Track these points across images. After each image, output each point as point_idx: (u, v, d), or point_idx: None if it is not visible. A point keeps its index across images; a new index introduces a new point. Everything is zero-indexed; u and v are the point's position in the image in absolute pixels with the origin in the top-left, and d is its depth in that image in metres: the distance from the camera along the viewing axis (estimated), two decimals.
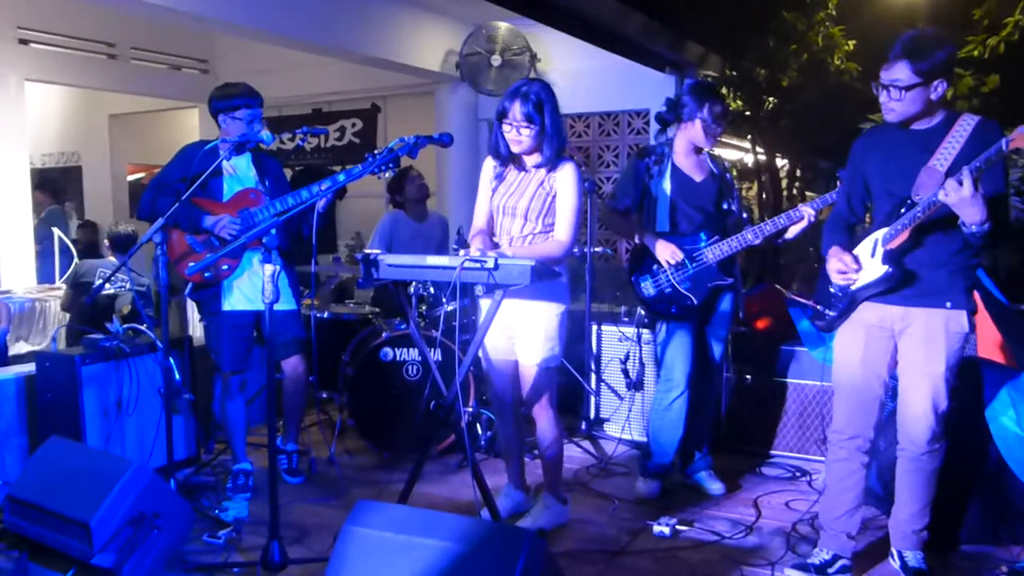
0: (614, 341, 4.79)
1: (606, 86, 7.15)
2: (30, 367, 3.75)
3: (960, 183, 2.50)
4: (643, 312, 4.33)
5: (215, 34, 8.35)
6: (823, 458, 3.11)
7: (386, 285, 3.51)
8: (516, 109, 3.16)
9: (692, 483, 4.00)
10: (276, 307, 2.95)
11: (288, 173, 6.56)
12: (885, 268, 2.79)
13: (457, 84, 7.46)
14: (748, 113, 7.46)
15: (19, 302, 6.12)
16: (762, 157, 7.90)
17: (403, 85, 7.88)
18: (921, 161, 2.73)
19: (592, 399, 4.86)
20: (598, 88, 7.18)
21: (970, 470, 3.28)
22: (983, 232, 2.57)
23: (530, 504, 3.57)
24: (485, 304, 3.28)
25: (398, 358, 4.38)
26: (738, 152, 9.15)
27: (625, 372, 4.70)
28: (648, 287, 3.79)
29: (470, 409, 4.33)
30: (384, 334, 4.40)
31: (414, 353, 4.35)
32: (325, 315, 4.98)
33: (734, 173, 4.10)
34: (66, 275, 6.05)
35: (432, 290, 4.58)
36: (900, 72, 2.68)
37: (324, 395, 4.84)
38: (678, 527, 3.45)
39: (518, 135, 3.18)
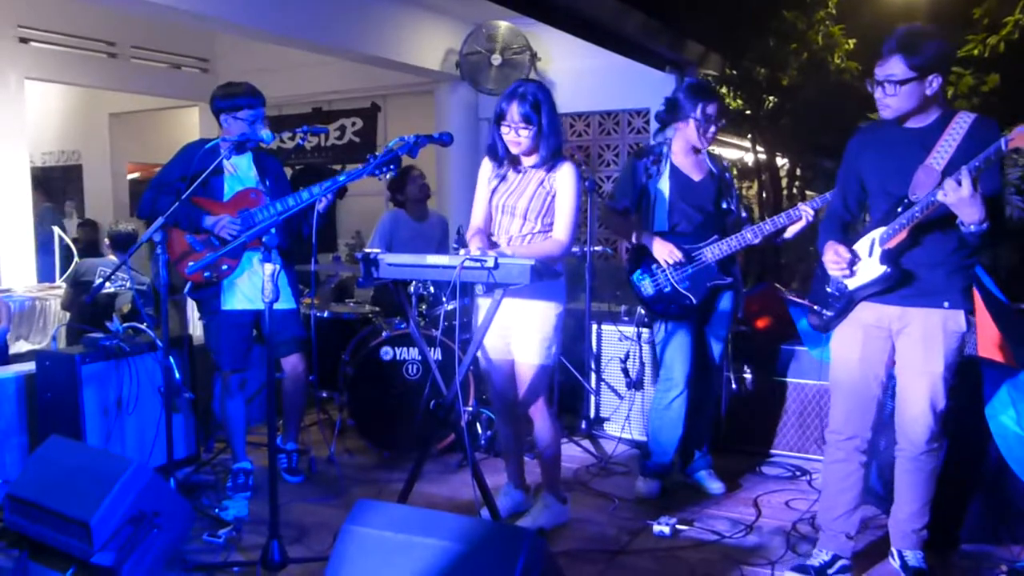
0: (614, 340, 4.79)
1: (606, 85, 7.15)
2: (30, 366, 3.75)
3: (959, 183, 2.50)
4: (643, 311, 4.33)
5: (215, 33, 8.35)
6: (823, 457, 3.11)
7: (386, 284, 3.50)
8: (514, 110, 3.17)
9: (692, 482, 4.00)
10: (276, 306, 2.95)
11: (288, 172, 6.55)
12: (883, 268, 2.78)
13: (457, 83, 7.46)
14: (748, 112, 7.45)
15: (19, 301, 6.13)
16: (762, 156, 7.89)
17: (403, 84, 7.88)
18: (918, 160, 2.73)
19: (592, 398, 4.86)
20: (598, 87, 7.18)
21: (970, 469, 3.29)
22: (981, 232, 2.57)
23: (530, 503, 3.57)
24: (483, 304, 3.28)
25: (398, 357, 4.38)
26: (738, 151, 9.14)
27: (625, 371, 4.70)
28: (647, 286, 3.79)
29: (470, 408, 4.33)
30: (384, 333, 4.40)
31: (414, 352, 4.35)
32: (325, 314, 4.98)
33: (734, 172, 4.10)
34: (66, 274, 6.05)
35: (432, 289, 4.58)
36: (895, 67, 2.68)
37: (324, 394, 4.84)
38: (678, 526, 3.45)
39: (517, 136, 3.20)
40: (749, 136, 7.86)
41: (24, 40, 7.33)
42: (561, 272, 3.20)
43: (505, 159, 3.31)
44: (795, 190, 8.03)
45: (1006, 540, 3.26)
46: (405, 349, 4.37)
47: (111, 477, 2.70)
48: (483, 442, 4.46)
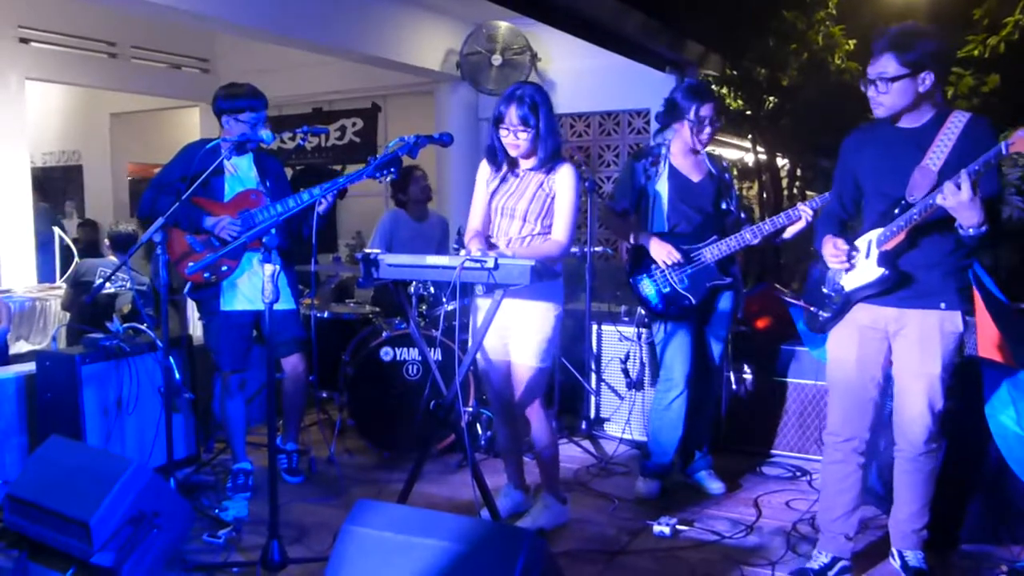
0: (614, 341, 4.79)
1: (606, 86, 7.15)
2: (30, 366, 3.75)
3: (958, 187, 2.49)
4: (643, 312, 4.33)
5: (215, 33, 8.35)
6: (821, 458, 3.11)
7: (386, 285, 3.51)
8: (512, 113, 3.18)
9: (692, 483, 4.00)
10: (276, 307, 2.95)
11: (289, 172, 6.55)
12: (881, 271, 2.78)
13: (457, 83, 7.46)
14: (748, 112, 7.45)
15: (19, 301, 6.13)
16: (762, 156, 7.89)
17: (403, 84, 7.88)
18: (914, 160, 2.72)
19: (592, 399, 4.86)
20: (598, 88, 7.18)
21: (970, 469, 3.29)
22: (980, 235, 2.57)
23: (530, 504, 3.57)
24: (482, 305, 3.29)
25: (398, 358, 4.38)
26: (738, 151, 9.14)
27: (625, 372, 4.70)
28: (646, 287, 3.79)
29: (470, 409, 4.33)
30: (384, 334, 4.40)
31: (414, 353, 4.35)
32: (325, 315, 4.98)
33: (734, 173, 4.10)
34: (66, 274, 6.05)
35: (432, 290, 4.58)
36: (886, 64, 2.68)
37: (324, 394, 4.84)
38: (678, 527, 3.45)
39: (515, 139, 3.21)
40: (749, 136, 7.86)
41: (24, 40, 7.33)
42: (560, 273, 3.20)
43: (504, 162, 3.32)
44: (795, 190, 8.03)
45: (1006, 540, 3.26)
46: (405, 349, 4.37)
47: (111, 477, 2.70)
48: (483, 442, 4.46)
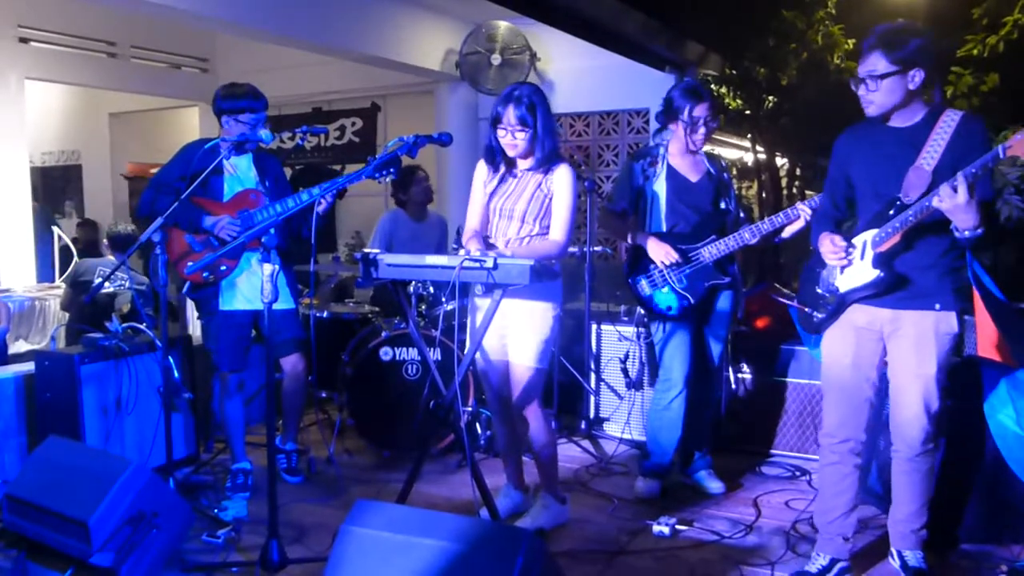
0: (614, 340, 4.79)
1: (606, 85, 7.14)
2: (29, 366, 3.75)
3: (955, 190, 2.49)
4: (642, 311, 4.33)
5: (215, 33, 8.35)
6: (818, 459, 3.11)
7: (385, 284, 3.51)
8: (510, 113, 3.18)
9: (692, 482, 4.00)
10: (275, 307, 2.95)
11: (288, 172, 6.54)
12: (876, 272, 2.77)
13: (457, 83, 7.46)
14: (748, 112, 7.46)
15: (19, 301, 6.12)
16: (762, 156, 7.90)
17: (403, 84, 7.88)
18: (908, 160, 2.71)
19: (592, 399, 4.86)
20: (598, 87, 7.18)
21: (969, 469, 3.28)
22: (976, 237, 2.56)
23: (529, 504, 3.57)
24: (481, 305, 3.29)
25: (397, 357, 4.37)
26: (738, 151, 9.14)
27: (625, 372, 4.70)
28: (645, 287, 3.80)
29: (469, 408, 4.33)
30: (383, 333, 4.40)
31: (413, 352, 4.35)
32: (324, 314, 4.98)
33: (733, 172, 4.10)
34: (66, 274, 6.05)
35: (432, 289, 4.58)
36: (875, 62, 2.68)
37: (323, 394, 4.83)
38: (678, 527, 3.45)
39: (513, 139, 3.21)
40: (749, 136, 7.86)
41: (24, 40, 7.32)
42: (558, 273, 3.20)
43: (501, 162, 3.32)
44: (795, 190, 8.04)
45: (1006, 539, 3.26)
46: (404, 349, 4.37)
47: (110, 477, 2.69)
48: (482, 442, 4.46)
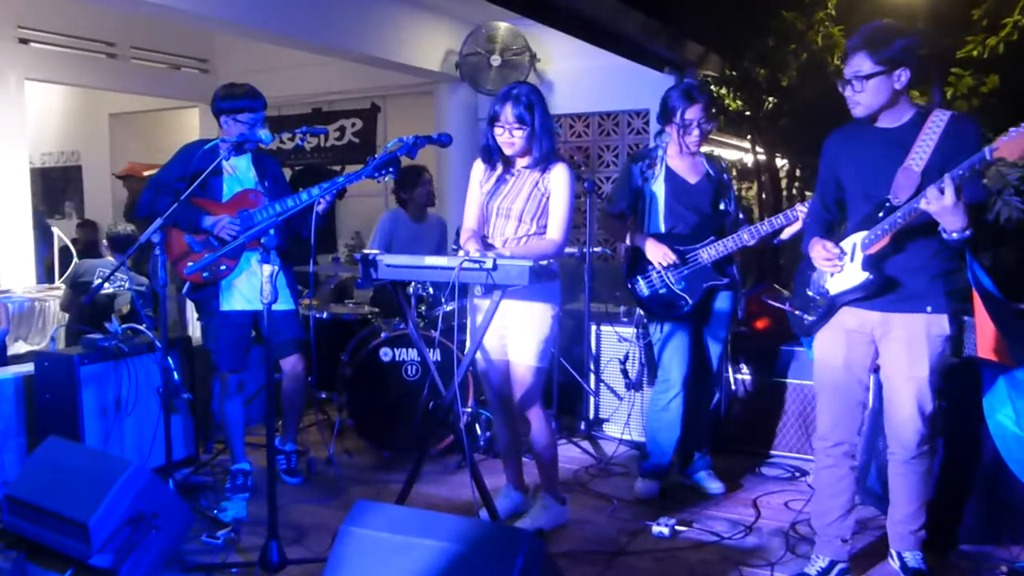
0: (613, 341, 4.79)
1: (606, 86, 7.14)
2: (29, 367, 3.75)
3: (942, 192, 2.48)
4: (642, 312, 4.33)
5: (215, 33, 8.35)
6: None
7: (385, 285, 3.51)
8: (508, 111, 3.19)
9: (691, 483, 4.00)
10: (274, 307, 2.95)
11: (288, 173, 6.55)
12: (865, 275, 2.76)
13: (457, 84, 7.46)
14: (748, 113, 7.44)
15: (18, 302, 6.12)
16: (762, 157, 7.89)
17: (403, 85, 7.87)
18: (897, 160, 2.71)
19: (591, 399, 4.86)
20: (598, 88, 7.18)
21: (968, 470, 3.28)
22: (964, 239, 2.56)
23: (529, 505, 3.57)
24: (481, 305, 3.29)
25: (397, 358, 4.38)
26: (738, 152, 9.13)
27: (624, 372, 4.70)
28: (643, 288, 3.80)
29: (469, 409, 4.33)
30: (383, 334, 4.40)
31: (413, 353, 4.35)
32: (324, 315, 4.98)
33: (733, 174, 4.10)
34: (65, 275, 6.05)
35: (431, 290, 4.58)
36: (861, 63, 2.68)
37: (323, 395, 4.83)
38: (677, 527, 3.45)
39: (511, 137, 3.21)
40: (748, 137, 7.85)
41: (24, 40, 7.32)
42: (557, 274, 3.20)
43: (499, 160, 3.32)
44: (794, 191, 8.02)
45: (1006, 540, 3.26)
46: (404, 350, 4.37)
47: (110, 478, 2.70)
48: (482, 443, 4.46)
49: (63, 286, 5.89)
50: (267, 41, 6.48)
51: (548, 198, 3.26)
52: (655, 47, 6.29)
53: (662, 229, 3.78)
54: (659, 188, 3.77)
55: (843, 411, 2.92)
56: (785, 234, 3.72)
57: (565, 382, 4.90)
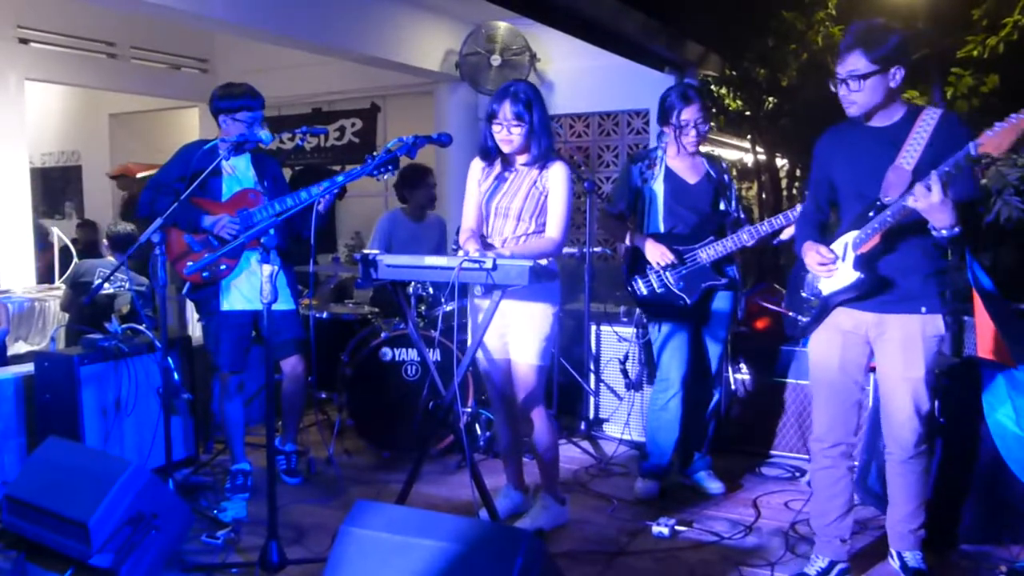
0: (613, 341, 4.79)
1: (606, 86, 7.14)
2: (29, 367, 3.75)
3: (928, 188, 2.48)
4: (641, 312, 4.34)
5: (215, 33, 8.35)
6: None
7: (385, 285, 3.51)
8: (506, 108, 3.19)
9: (691, 483, 4.00)
10: (274, 307, 2.96)
11: (288, 173, 6.54)
12: (857, 275, 2.75)
13: (457, 84, 7.46)
14: (748, 113, 7.45)
15: (18, 302, 6.11)
16: (762, 157, 7.89)
17: (403, 85, 7.87)
18: (889, 159, 2.70)
19: (591, 399, 4.86)
20: (598, 88, 7.18)
21: (967, 469, 3.28)
22: (953, 236, 2.55)
23: (529, 505, 3.57)
24: (480, 305, 3.29)
25: (397, 358, 4.38)
26: (738, 152, 9.14)
27: (624, 372, 4.70)
28: (642, 288, 3.80)
29: (469, 409, 4.33)
30: (383, 334, 4.40)
31: (413, 353, 4.35)
32: (324, 315, 4.98)
33: (733, 174, 4.10)
34: (65, 275, 6.05)
35: (431, 290, 4.58)
36: (856, 62, 2.67)
37: (323, 395, 4.84)
38: (677, 527, 3.45)
39: (509, 134, 3.21)
40: (748, 137, 7.85)
41: (24, 40, 7.32)
42: (556, 274, 3.21)
43: (497, 158, 3.32)
44: (794, 191, 8.03)
45: (1005, 540, 3.26)
46: (404, 350, 4.37)
47: (109, 478, 2.70)
48: (482, 443, 4.46)
49: (63, 286, 5.89)
50: (267, 41, 6.48)
51: (546, 196, 3.26)
52: (655, 47, 6.29)
53: (661, 229, 3.78)
54: (658, 188, 3.77)
55: (839, 412, 2.92)
56: (785, 235, 3.72)
57: (565, 382, 4.90)
